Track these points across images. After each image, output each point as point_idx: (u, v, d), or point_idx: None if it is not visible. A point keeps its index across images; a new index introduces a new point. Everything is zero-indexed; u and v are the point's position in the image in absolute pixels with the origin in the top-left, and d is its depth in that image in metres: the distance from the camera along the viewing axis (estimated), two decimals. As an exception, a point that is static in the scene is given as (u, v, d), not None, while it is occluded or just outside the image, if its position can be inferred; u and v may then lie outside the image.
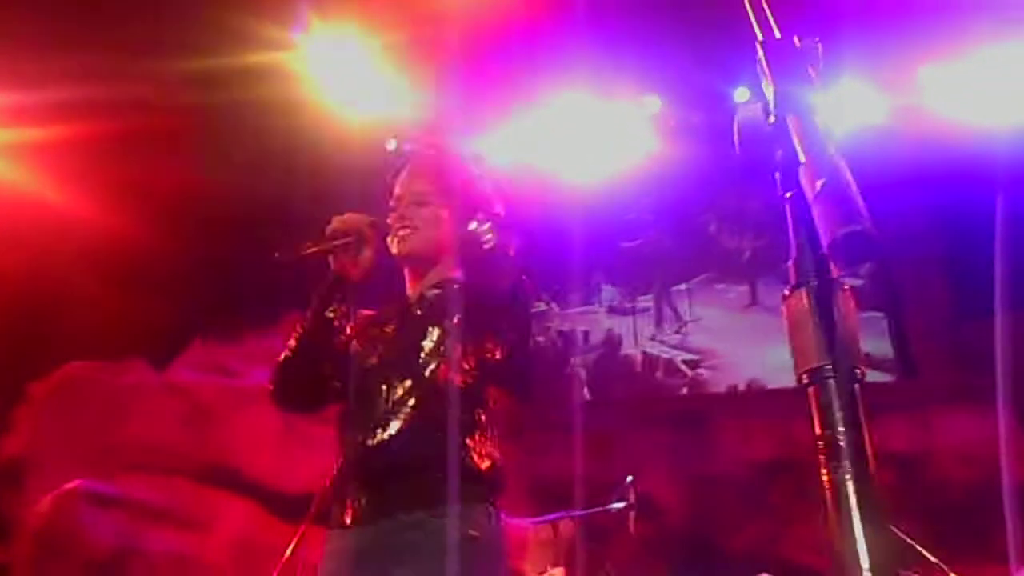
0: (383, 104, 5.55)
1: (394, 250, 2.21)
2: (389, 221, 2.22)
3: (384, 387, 2.08)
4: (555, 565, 4.28)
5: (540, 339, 7.23)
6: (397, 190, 2.27)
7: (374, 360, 2.15)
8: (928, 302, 6.96)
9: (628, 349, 7.23)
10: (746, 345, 6.82)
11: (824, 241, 0.67)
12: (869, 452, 0.62)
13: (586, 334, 7.29)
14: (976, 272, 5.70)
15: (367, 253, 2.18)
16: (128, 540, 4.83)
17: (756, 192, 6.53)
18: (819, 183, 0.69)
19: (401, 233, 2.19)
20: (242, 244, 5.49)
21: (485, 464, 2.04)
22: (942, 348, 6.77)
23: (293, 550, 3.30)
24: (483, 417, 2.09)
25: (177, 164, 5.13)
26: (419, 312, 2.18)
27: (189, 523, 5.11)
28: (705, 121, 5.84)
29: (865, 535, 0.58)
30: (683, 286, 7.31)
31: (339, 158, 5.28)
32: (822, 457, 0.65)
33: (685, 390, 7.01)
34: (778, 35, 0.88)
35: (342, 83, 5.43)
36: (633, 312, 7.35)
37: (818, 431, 0.66)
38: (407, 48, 5.28)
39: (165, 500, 5.08)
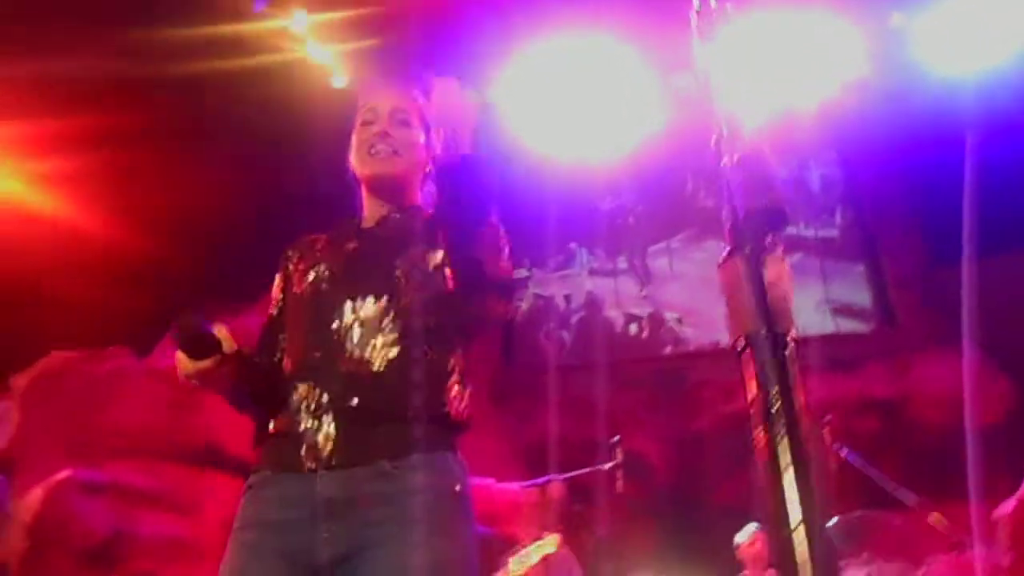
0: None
1: (369, 169, 2.01)
2: (361, 136, 2.03)
3: (351, 304, 1.83)
4: (546, 527, 4.35)
5: (522, 305, 7.27)
6: (375, 101, 2.08)
7: (329, 274, 1.92)
8: (903, 251, 7.04)
9: (610, 311, 7.28)
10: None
11: (739, 212, 0.69)
12: (800, 412, 0.65)
13: (567, 297, 7.33)
14: (949, 220, 5.77)
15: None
16: (121, 526, 4.87)
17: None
18: (735, 156, 0.71)
19: (382, 151, 1.99)
20: (220, 228, 5.48)
21: (463, 410, 1.84)
22: (918, 295, 6.87)
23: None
24: (459, 360, 1.88)
25: (154, 155, 5.09)
26: (384, 233, 1.99)
27: (180, 506, 5.14)
28: (679, 81, 5.82)
29: (797, 491, 0.61)
30: (663, 244, 7.35)
31: (318, 134, 5.25)
32: (756, 417, 0.68)
33: (669, 349, 7.07)
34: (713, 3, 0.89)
35: (321, 59, 5.40)
36: (614, 273, 7.39)
37: (752, 393, 0.68)
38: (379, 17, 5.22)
39: (155, 484, 5.11)
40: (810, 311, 6.57)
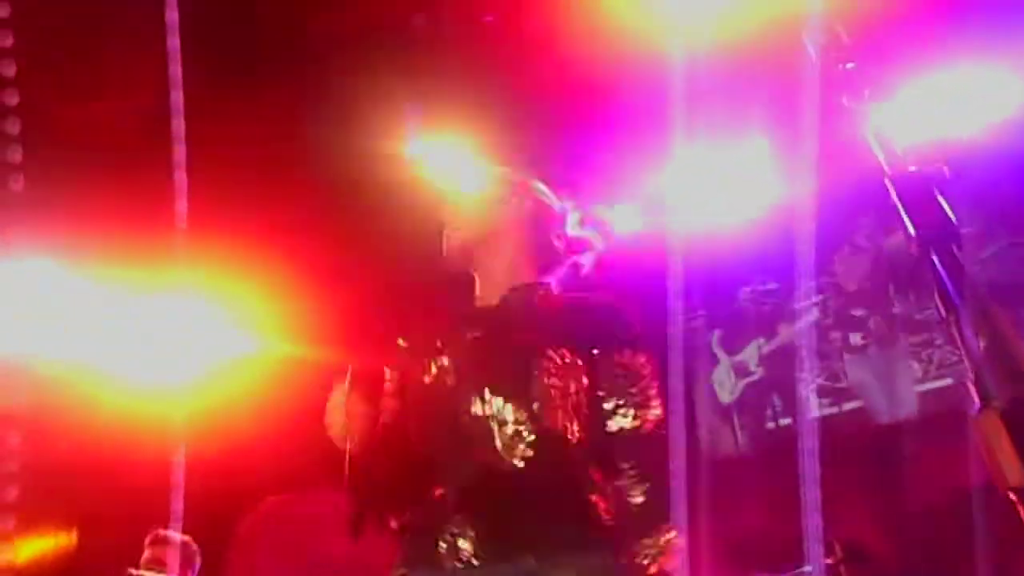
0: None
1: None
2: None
3: (479, 398, 1.77)
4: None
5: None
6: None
7: (453, 366, 1.85)
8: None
9: (801, 391, 6.96)
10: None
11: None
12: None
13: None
14: None
15: None
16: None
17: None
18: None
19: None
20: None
21: (608, 517, 1.75)
22: None
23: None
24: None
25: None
26: (507, 315, 1.89)
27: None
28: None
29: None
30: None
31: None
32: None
33: (871, 422, 6.65)
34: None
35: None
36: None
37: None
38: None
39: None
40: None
